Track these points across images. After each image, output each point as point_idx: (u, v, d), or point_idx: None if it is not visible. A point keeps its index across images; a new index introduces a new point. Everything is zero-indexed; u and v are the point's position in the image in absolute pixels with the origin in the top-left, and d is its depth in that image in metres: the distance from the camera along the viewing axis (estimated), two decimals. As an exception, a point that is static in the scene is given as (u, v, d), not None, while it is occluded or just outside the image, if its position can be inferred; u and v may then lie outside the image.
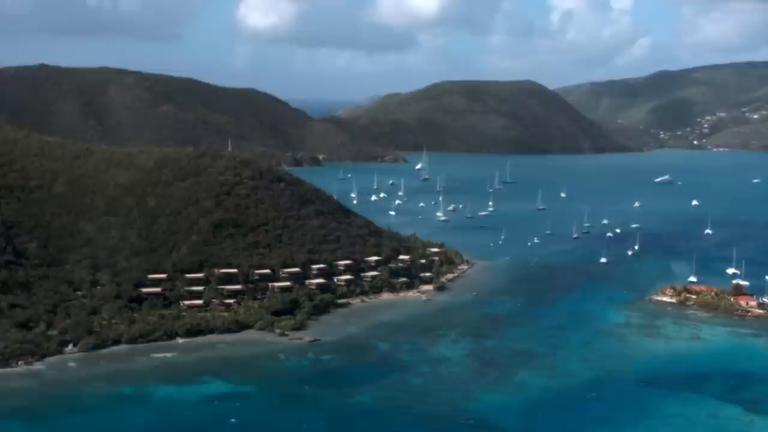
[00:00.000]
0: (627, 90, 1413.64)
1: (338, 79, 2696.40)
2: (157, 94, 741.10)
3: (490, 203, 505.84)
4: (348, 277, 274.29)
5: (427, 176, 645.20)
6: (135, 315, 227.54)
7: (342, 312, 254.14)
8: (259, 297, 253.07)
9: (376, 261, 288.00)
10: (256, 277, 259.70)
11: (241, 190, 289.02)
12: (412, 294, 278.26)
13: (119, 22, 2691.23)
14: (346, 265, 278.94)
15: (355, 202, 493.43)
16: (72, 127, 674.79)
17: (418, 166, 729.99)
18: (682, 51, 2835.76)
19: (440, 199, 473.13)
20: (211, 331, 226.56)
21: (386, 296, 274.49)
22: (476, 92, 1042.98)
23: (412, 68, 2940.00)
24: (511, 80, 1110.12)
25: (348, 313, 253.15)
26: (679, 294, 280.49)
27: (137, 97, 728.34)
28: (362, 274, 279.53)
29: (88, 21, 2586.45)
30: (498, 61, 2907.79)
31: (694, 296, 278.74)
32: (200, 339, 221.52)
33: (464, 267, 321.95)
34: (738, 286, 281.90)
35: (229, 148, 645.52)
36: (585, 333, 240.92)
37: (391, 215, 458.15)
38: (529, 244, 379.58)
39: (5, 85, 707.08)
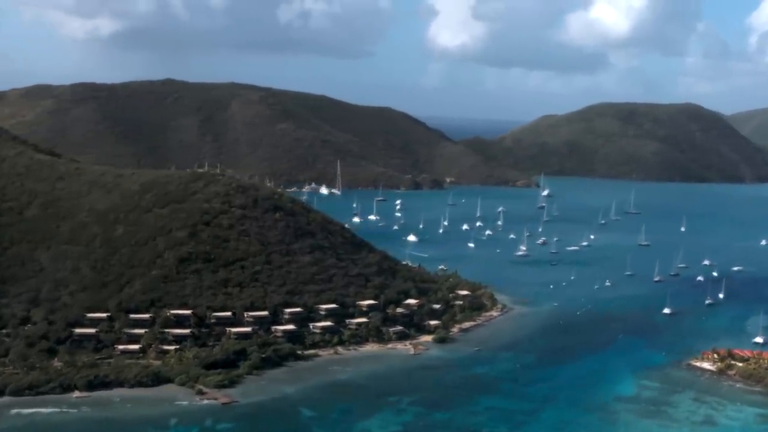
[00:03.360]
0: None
1: (526, 99, 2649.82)
2: (279, 111, 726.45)
3: (592, 236, 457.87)
4: (327, 323, 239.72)
5: (544, 204, 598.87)
6: (34, 362, 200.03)
7: (299, 366, 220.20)
8: (210, 344, 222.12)
9: (369, 306, 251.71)
10: (213, 321, 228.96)
11: (224, 220, 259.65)
12: (402, 346, 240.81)
13: (310, 39, 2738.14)
14: (328, 309, 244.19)
15: (440, 231, 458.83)
16: (187, 143, 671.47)
17: (545, 192, 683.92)
18: None
19: (524, 232, 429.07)
20: (121, 384, 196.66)
21: (370, 348, 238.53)
22: (632, 115, 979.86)
23: (604, 90, 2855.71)
24: (671, 103, 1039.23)
25: (304, 369, 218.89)
26: (721, 360, 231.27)
27: (258, 113, 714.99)
28: (347, 321, 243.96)
29: (279, 38, 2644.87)
30: (692, 83, 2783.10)
31: (740, 364, 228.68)
32: (100, 393, 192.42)
33: (493, 314, 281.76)
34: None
35: (337, 170, 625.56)
36: (571, 409, 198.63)
37: (470, 247, 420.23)
38: (596, 287, 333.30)
39: (129, 99, 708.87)
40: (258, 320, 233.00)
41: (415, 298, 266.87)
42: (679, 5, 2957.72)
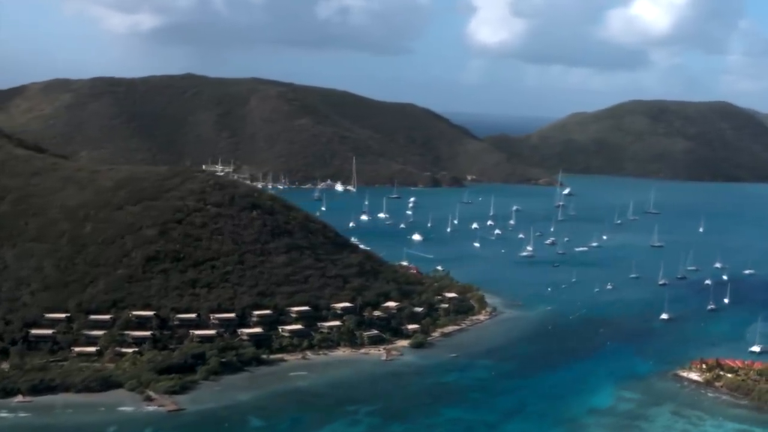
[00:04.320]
0: None
1: (566, 96, 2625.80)
2: (299, 106, 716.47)
3: (604, 237, 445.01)
4: (298, 327, 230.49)
5: (562, 202, 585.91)
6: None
7: (260, 372, 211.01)
8: (171, 347, 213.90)
9: (344, 308, 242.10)
10: (176, 323, 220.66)
11: (198, 218, 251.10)
12: (376, 351, 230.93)
13: (349, 36, 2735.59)
14: (300, 312, 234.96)
15: (448, 230, 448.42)
16: (204, 138, 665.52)
17: (566, 191, 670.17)
18: None
19: (532, 231, 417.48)
20: (67, 389, 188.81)
21: (341, 352, 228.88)
22: (663, 112, 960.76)
23: (645, 88, 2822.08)
24: (702, 101, 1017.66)
25: (265, 374, 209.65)
26: (709, 371, 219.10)
27: (276, 109, 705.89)
28: (319, 324, 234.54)
29: (318, 35, 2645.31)
30: (734, 81, 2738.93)
31: (728, 375, 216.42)
32: (44, 398, 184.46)
33: (481, 318, 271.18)
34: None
35: (353, 167, 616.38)
36: (538, 422, 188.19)
37: (475, 246, 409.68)
38: (596, 290, 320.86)
39: (147, 93, 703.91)
40: (224, 322, 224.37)
41: (396, 301, 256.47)
42: (721, 2, 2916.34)
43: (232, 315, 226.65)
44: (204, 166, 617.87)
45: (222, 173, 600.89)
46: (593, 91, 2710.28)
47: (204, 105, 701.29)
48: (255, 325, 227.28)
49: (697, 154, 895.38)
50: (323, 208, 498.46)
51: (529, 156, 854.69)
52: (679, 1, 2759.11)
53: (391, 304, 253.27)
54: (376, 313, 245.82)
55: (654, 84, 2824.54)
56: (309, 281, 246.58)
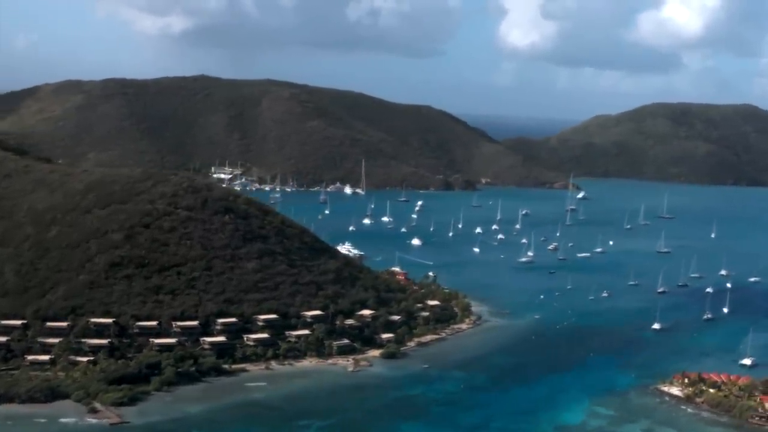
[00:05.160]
0: None
1: (598, 99, 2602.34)
2: (311, 108, 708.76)
3: (611, 242, 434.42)
4: (263, 336, 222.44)
5: (573, 206, 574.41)
6: None
7: (218, 383, 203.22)
8: (129, 356, 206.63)
9: (315, 316, 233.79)
10: (135, 331, 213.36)
11: (167, 222, 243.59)
12: (344, 361, 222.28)
13: (379, 37, 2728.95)
14: (267, 320, 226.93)
15: (450, 234, 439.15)
16: (214, 140, 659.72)
17: (581, 195, 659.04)
18: None
19: (533, 236, 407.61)
20: (11, 399, 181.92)
21: (307, 363, 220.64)
22: (685, 115, 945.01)
23: (676, 90, 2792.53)
24: (726, 104, 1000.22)
25: (222, 386, 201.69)
26: (691, 385, 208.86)
27: (288, 111, 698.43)
28: (287, 333, 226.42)
29: (348, 37, 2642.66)
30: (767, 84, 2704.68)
31: (711, 390, 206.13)
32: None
33: (462, 326, 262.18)
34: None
35: (362, 169, 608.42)
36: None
37: (475, 251, 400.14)
38: (591, 297, 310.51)
39: (158, 95, 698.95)
40: (186, 331, 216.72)
41: (373, 309, 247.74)
42: (753, 5, 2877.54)
43: (196, 323, 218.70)
44: (212, 168, 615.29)
45: (230, 175, 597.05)
46: (625, 93, 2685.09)
47: (215, 107, 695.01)
48: (219, 333, 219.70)
49: (719, 157, 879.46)
50: (326, 212, 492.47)
51: (547, 159, 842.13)
52: (711, 3, 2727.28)
53: (366, 312, 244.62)
54: (349, 321, 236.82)
55: (686, 87, 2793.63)
56: (279, 288, 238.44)
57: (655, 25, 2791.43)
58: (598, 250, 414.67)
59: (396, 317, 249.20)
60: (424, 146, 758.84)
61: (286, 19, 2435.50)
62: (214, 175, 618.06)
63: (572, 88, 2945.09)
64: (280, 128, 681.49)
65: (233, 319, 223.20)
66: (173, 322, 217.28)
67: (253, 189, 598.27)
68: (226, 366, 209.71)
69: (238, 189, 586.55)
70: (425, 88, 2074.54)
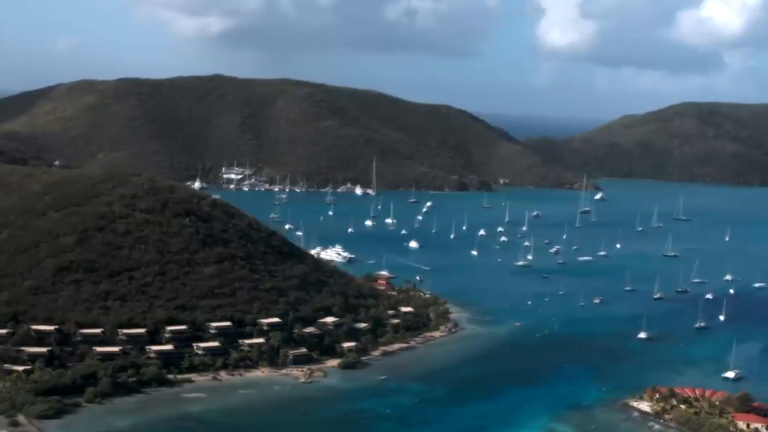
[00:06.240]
0: None
1: (638, 99, 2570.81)
2: (326, 108, 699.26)
3: (618, 245, 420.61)
4: (214, 344, 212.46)
5: (587, 208, 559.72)
6: None
7: (156, 394, 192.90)
8: (69, 365, 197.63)
9: (272, 324, 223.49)
10: (78, 339, 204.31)
11: (122, 225, 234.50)
12: (298, 372, 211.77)
13: (416, 38, 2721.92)
14: (220, 327, 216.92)
15: (452, 236, 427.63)
16: (226, 140, 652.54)
17: (598, 196, 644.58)
18: None
19: (532, 238, 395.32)
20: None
21: (259, 373, 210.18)
22: (712, 115, 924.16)
23: (718, 90, 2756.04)
24: (755, 102, 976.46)
25: (159, 397, 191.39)
26: (662, 400, 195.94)
27: (302, 110, 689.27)
28: (241, 341, 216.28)
29: (386, 37, 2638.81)
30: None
31: (682, 406, 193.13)
32: None
33: (435, 334, 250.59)
34: (745, 397, 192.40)
35: (373, 169, 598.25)
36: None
37: (473, 255, 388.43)
38: (581, 304, 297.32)
39: (172, 95, 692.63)
40: (133, 338, 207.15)
41: (338, 316, 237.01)
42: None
43: (143, 330, 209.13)
44: (222, 169, 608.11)
45: (240, 176, 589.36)
46: (666, 93, 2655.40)
47: (229, 107, 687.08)
48: (167, 341, 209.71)
49: (746, 157, 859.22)
50: (330, 213, 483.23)
51: (569, 159, 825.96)
52: (752, 2, 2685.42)
53: (329, 319, 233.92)
54: (309, 329, 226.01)
55: (727, 87, 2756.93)
56: (237, 294, 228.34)
57: (695, 23, 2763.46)
58: (602, 253, 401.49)
59: (362, 325, 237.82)
60: (442, 146, 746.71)
61: (324, 19, 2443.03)
62: (224, 176, 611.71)
63: (612, 88, 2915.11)
64: (294, 128, 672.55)
65: (183, 327, 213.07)
66: (119, 330, 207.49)
67: (263, 189, 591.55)
68: (170, 376, 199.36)
69: (247, 189, 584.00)
70: (461, 88, 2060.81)
